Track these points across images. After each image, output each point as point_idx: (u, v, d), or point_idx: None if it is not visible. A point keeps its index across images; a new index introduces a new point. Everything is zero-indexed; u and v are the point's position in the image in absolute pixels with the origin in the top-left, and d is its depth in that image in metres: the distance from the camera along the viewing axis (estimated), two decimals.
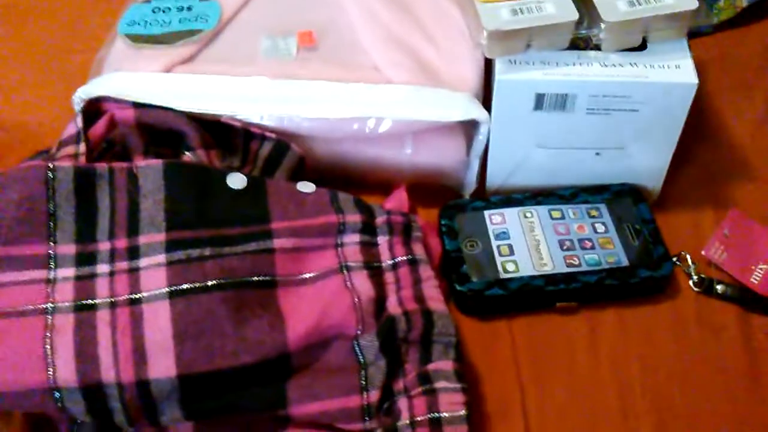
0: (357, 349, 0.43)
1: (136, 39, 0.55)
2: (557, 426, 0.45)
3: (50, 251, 0.44)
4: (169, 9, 0.56)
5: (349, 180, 0.53)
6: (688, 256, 0.51)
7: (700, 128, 0.59)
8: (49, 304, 0.42)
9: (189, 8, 0.56)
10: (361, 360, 0.43)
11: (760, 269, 0.50)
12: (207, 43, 0.55)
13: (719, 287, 0.50)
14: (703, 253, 0.51)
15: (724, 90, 0.61)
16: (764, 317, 0.49)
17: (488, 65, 0.52)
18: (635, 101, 0.48)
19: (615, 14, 0.47)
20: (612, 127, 0.50)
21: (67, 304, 0.42)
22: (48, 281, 0.43)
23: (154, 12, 0.56)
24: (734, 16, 0.64)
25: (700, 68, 0.48)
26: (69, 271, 0.43)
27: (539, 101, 0.48)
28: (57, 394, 0.40)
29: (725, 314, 0.49)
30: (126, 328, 0.41)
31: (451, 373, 0.42)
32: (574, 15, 0.47)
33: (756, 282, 0.50)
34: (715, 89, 0.61)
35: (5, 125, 0.58)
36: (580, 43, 0.49)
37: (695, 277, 0.50)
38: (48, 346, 0.40)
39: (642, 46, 0.49)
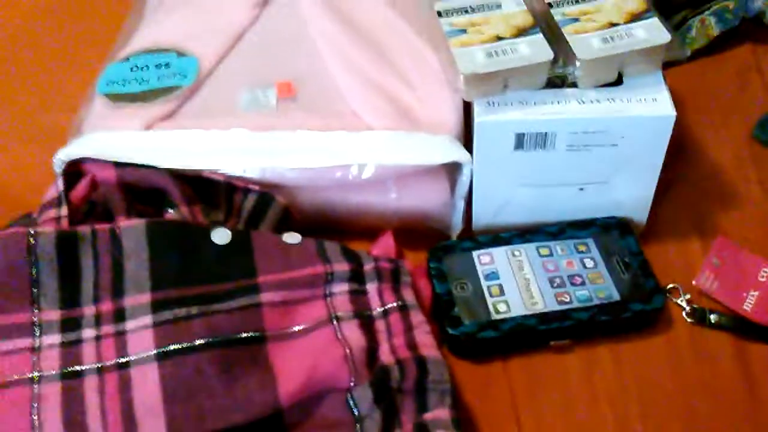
0: (351, 402, 0.42)
1: (115, 98, 0.55)
2: None
3: (34, 318, 0.43)
4: (147, 67, 0.56)
5: (335, 227, 0.53)
6: (679, 287, 0.51)
7: (681, 157, 0.59)
8: (35, 373, 0.41)
9: (167, 65, 0.57)
10: (356, 413, 0.42)
11: (752, 296, 0.50)
12: (186, 98, 0.55)
13: (712, 317, 0.49)
14: (693, 283, 0.51)
15: (702, 117, 0.62)
16: (760, 344, 0.49)
17: (467, 106, 0.52)
18: (614, 136, 0.48)
19: (589, 52, 0.47)
20: (593, 162, 0.50)
21: (53, 372, 0.41)
22: (33, 349, 0.42)
23: (132, 70, 0.56)
24: (707, 45, 0.65)
25: (677, 97, 0.49)
26: (54, 338, 0.43)
27: (519, 141, 0.49)
28: None
29: (720, 343, 0.49)
30: (114, 394, 0.41)
31: (448, 422, 0.41)
32: (549, 55, 0.47)
33: (749, 309, 0.50)
34: (694, 116, 0.62)
35: None
36: (557, 80, 0.49)
37: (688, 308, 0.50)
38: (35, 417, 0.40)
39: (618, 81, 0.49)
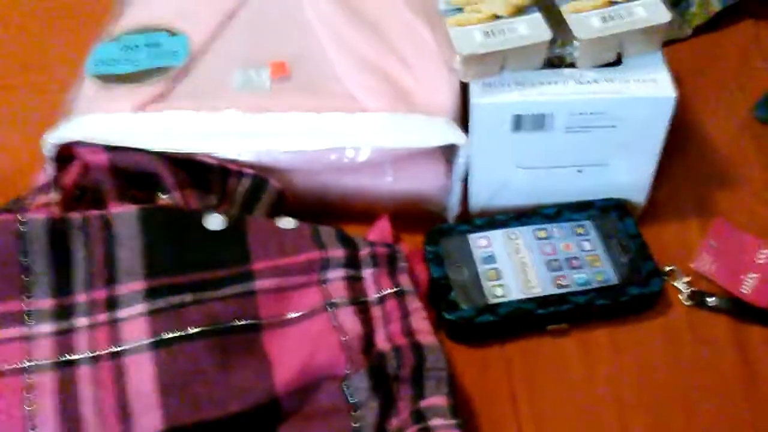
0: (347, 389, 0.42)
1: (105, 79, 0.54)
2: None
3: (26, 306, 0.42)
4: (137, 46, 0.55)
5: (330, 211, 0.52)
6: (677, 270, 0.51)
7: (680, 137, 0.58)
8: (27, 363, 0.41)
9: (157, 44, 0.55)
10: (352, 401, 0.42)
11: (750, 278, 0.50)
12: (178, 79, 0.54)
13: (710, 299, 0.49)
14: (691, 265, 0.51)
15: (702, 96, 0.61)
16: (758, 326, 0.49)
17: (464, 87, 0.51)
18: (614, 117, 0.48)
19: (588, 32, 0.46)
20: (592, 144, 0.49)
21: (46, 361, 0.41)
22: (25, 338, 0.42)
23: (122, 50, 0.55)
24: (708, 21, 0.64)
25: (676, 75, 0.48)
26: (47, 327, 0.42)
27: (517, 122, 0.48)
28: None
29: (718, 326, 0.49)
30: (109, 383, 0.40)
31: (445, 409, 0.41)
32: (548, 35, 0.46)
33: (747, 291, 0.49)
34: (693, 96, 0.61)
35: None
36: (555, 61, 0.48)
37: (686, 291, 0.50)
38: (28, 408, 0.39)
39: (617, 61, 0.48)
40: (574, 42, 0.46)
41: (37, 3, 0.69)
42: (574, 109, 0.47)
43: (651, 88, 0.47)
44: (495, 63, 0.47)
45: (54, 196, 0.47)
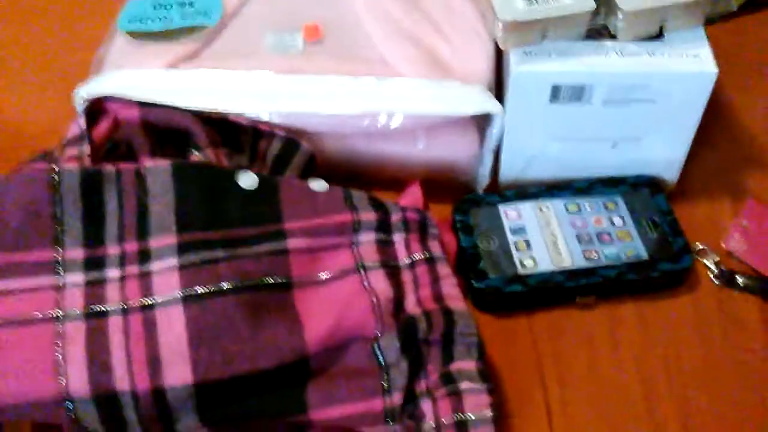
0: (377, 351, 0.42)
1: (137, 36, 0.53)
2: (582, 425, 0.44)
3: (57, 256, 0.42)
4: (171, 5, 0.55)
5: (360, 176, 0.52)
6: (707, 249, 0.50)
7: (715, 117, 0.58)
8: (59, 312, 0.41)
9: (191, 3, 0.55)
10: (382, 362, 0.42)
11: None
12: (210, 39, 0.53)
13: (740, 279, 0.49)
14: (722, 244, 0.51)
15: (738, 78, 0.60)
16: None
17: (499, 56, 0.51)
18: (653, 92, 0.47)
19: (633, 3, 0.46)
20: (629, 118, 0.49)
21: (77, 311, 0.41)
22: (56, 288, 0.41)
23: (154, 8, 0.55)
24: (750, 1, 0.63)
25: (715, 54, 0.47)
26: (78, 277, 0.42)
27: (555, 93, 0.47)
28: (69, 405, 0.38)
29: (747, 306, 0.49)
30: (139, 335, 0.40)
31: (474, 373, 0.41)
32: (591, 5, 0.46)
33: None
34: (730, 77, 0.60)
35: (5, 126, 0.57)
36: (597, 32, 0.48)
37: (716, 270, 0.50)
38: (59, 355, 0.39)
39: (659, 35, 0.48)
40: (618, 13, 0.46)
41: None
42: (614, 82, 0.47)
43: (693, 63, 0.46)
44: (537, 32, 0.46)
45: (86, 148, 0.47)
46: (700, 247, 0.51)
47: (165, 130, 0.49)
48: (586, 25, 0.47)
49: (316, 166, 0.51)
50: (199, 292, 0.41)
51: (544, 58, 0.47)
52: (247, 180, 0.46)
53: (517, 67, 0.47)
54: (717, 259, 0.50)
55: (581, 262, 0.48)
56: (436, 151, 0.51)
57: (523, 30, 0.46)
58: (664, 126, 0.49)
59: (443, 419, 0.39)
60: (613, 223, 0.50)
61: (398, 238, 0.46)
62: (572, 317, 0.48)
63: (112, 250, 0.43)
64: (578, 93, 0.47)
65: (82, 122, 0.48)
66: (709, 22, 0.48)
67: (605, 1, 0.47)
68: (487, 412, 0.39)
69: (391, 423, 0.41)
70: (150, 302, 0.41)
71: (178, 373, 0.39)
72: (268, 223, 0.45)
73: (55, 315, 0.40)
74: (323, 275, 0.44)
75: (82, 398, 0.38)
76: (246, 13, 0.55)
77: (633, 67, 0.46)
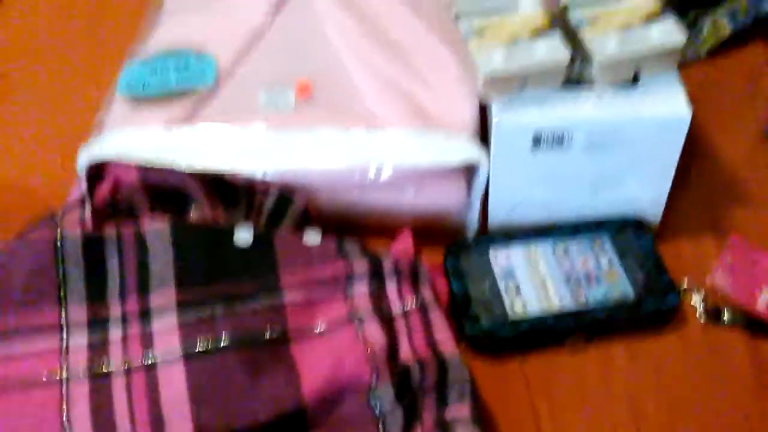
0: (372, 400, 0.43)
1: (135, 99, 0.55)
2: None
3: (62, 318, 0.44)
4: (167, 68, 0.57)
5: (352, 225, 0.54)
6: (693, 286, 0.52)
7: (695, 155, 0.60)
8: (64, 374, 0.42)
9: (186, 67, 0.57)
10: (377, 412, 0.43)
11: (765, 294, 0.51)
12: (206, 100, 0.55)
13: (726, 315, 0.50)
14: (707, 281, 0.52)
15: (714, 116, 0.62)
16: None
17: (483, 106, 0.53)
18: (630, 136, 0.49)
19: (606, 53, 0.48)
20: (609, 161, 0.50)
21: (81, 372, 0.42)
22: (61, 350, 0.43)
23: (151, 72, 0.57)
24: (719, 44, 0.66)
25: (690, 95, 0.49)
26: (82, 338, 0.43)
27: (537, 140, 0.49)
28: None
29: (734, 341, 0.50)
30: (142, 394, 0.41)
31: (468, 419, 0.42)
32: (567, 55, 0.48)
33: (762, 307, 0.50)
34: (705, 116, 0.62)
35: (10, 186, 0.59)
36: (575, 79, 0.50)
37: (702, 306, 0.51)
38: (65, 418, 0.40)
39: (635, 80, 0.50)
40: (593, 62, 0.48)
41: (70, 22, 0.72)
42: (592, 129, 0.48)
43: (667, 108, 0.48)
44: (516, 83, 0.48)
45: (87, 212, 0.48)
46: (686, 284, 0.52)
47: (164, 190, 0.50)
48: (563, 75, 0.48)
49: (310, 218, 0.52)
50: (199, 349, 0.42)
51: (524, 107, 0.48)
52: (243, 237, 0.47)
53: (498, 116, 0.48)
54: (703, 295, 0.51)
55: (570, 305, 0.49)
56: (426, 199, 0.53)
57: (503, 82, 0.48)
58: (644, 168, 0.51)
59: None
60: (600, 264, 0.51)
61: (391, 287, 0.48)
62: (563, 358, 0.49)
63: (114, 309, 0.45)
64: (559, 139, 0.49)
65: (83, 186, 0.50)
66: (683, 65, 0.50)
67: (581, 51, 0.49)
68: None
69: None
70: (151, 361, 0.43)
71: (179, 430, 0.40)
72: (264, 279, 0.46)
73: (60, 377, 0.42)
74: (318, 327, 0.45)
75: None
76: (239, 73, 0.57)
77: (609, 113, 0.48)
